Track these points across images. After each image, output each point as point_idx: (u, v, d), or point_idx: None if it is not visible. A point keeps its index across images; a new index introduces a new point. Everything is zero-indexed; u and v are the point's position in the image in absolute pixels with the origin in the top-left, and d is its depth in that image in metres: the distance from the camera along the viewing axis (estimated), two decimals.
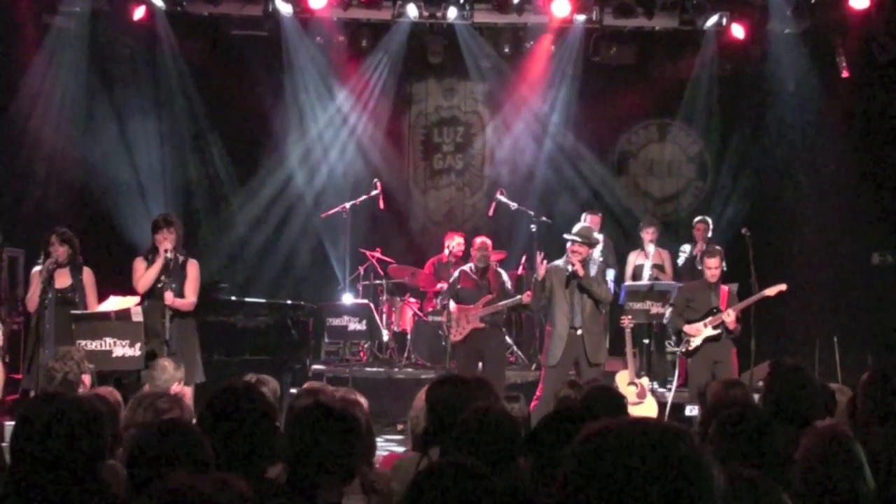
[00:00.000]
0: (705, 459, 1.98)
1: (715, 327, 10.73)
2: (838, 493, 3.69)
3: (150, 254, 9.54)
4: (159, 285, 9.28)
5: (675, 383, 11.62)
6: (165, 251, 9.32)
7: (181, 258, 9.54)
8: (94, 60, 14.09)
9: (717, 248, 11.32)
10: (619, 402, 5.79)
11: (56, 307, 9.16)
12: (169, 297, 9.20)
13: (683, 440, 1.98)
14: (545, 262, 10.45)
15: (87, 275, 9.58)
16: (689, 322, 10.84)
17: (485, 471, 2.98)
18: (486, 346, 11.33)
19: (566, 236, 10.50)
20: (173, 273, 9.36)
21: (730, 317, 10.63)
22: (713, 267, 10.82)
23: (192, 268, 9.66)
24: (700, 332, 10.75)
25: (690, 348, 10.81)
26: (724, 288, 10.95)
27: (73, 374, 6.68)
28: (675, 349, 12.93)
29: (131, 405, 5.20)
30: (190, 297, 9.55)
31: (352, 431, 3.99)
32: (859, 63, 14.11)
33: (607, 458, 1.96)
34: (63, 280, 9.39)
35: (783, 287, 10.78)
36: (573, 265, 10.27)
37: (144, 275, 9.44)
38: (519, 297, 11.18)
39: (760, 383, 8.90)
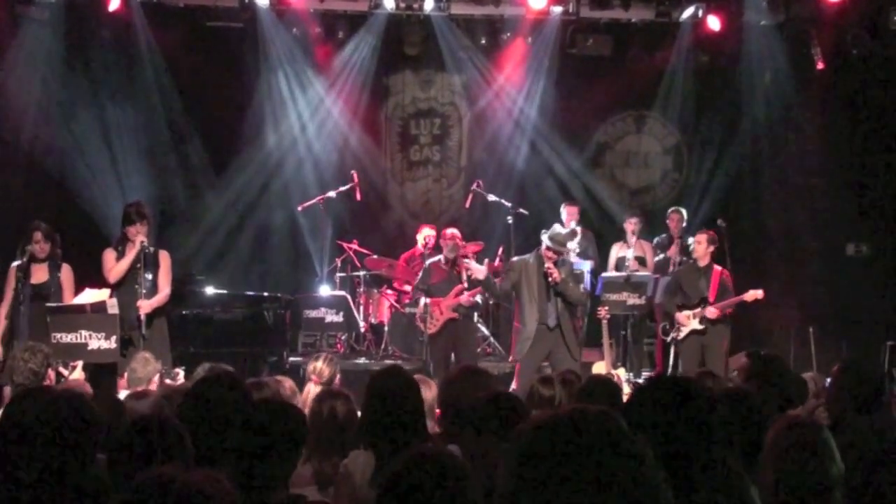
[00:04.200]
0: (632, 438, 2.05)
1: (701, 321, 10.87)
2: (810, 481, 3.71)
3: (120, 245, 9.53)
4: (134, 276, 9.28)
5: (653, 374, 11.66)
6: (142, 242, 9.31)
7: (151, 249, 9.53)
8: (69, 52, 13.99)
9: (706, 230, 11.41)
10: (616, 392, 5.85)
11: (32, 302, 9.11)
12: (144, 305, 9.20)
13: (609, 420, 2.06)
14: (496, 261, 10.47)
15: (66, 271, 9.52)
16: (681, 308, 10.99)
17: (462, 462, 2.99)
18: (460, 336, 11.35)
19: (542, 237, 10.37)
20: (148, 264, 9.35)
21: (713, 314, 10.77)
22: (697, 242, 11.04)
23: (164, 258, 9.69)
24: (688, 322, 10.91)
25: (679, 337, 10.99)
26: (717, 270, 11.05)
27: (38, 366, 6.67)
28: (651, 340, 13.05)
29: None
30: (164, 289, 9.57)
31: (289, 429, 3.98)
32: (834, 54, 14.19)
33: (540, 446, 2.03)
34: (40, 275, 9.34)
35: (760, 294, 10.91)
36: (549, 270, 10.19)
37: (116, 266, 9.44)
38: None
39: (735, 373, 8.97)
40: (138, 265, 9.37)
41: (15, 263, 9.30)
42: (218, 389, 4.24)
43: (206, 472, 2.49)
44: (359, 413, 5.45)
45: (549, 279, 10.12)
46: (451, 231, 11.62)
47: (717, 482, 2.98)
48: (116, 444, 3.78)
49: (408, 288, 13.16)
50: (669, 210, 13.65)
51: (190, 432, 3.85)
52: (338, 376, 6.87)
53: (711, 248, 11.20)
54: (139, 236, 9.38)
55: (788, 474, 3.72)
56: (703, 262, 11.12)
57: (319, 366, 6.77)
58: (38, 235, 9.30)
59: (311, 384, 6.62)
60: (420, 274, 11.81)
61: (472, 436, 4.23)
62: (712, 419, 3.05)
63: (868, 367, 5.25)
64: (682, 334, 11.03)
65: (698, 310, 10.94)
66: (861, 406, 5.06)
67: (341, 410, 5.11)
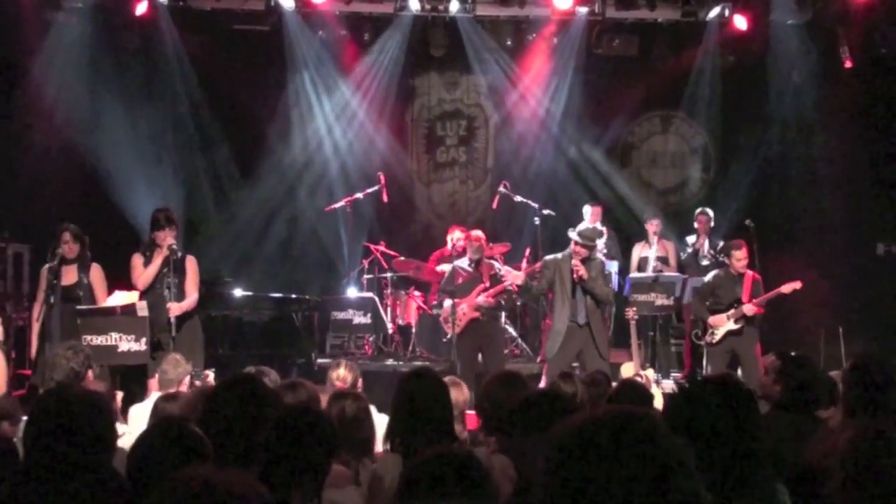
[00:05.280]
0: (673, 440, 2.05)
1: (737, 321, 10.84)
2: (887, 487, 3.69)
3: (148, 250, 9.57)
4: (162, 280, 9.32)
5: (682, 375, 11.65)
6: (170, 246, 9.35)
7: (180, 253, 9.55)
8: (97, 55, 14.07)
9: (740, 241, 11.35)
10: (648, 398, 5.83)
11: (62, 304, 9.17)
12: (174, 307, 9.24)
13: (650, 421, 2.06)
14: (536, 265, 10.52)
15: (95, 271, 9.57)
16: (714, 312, 10.97)
17: (483, 464, 2.99)
18: (485, 336, 11.33)
19: (570, 234, 10.52)
20: (177, 269, 9.39)
21: (750, 310, 10.73)
22: (742, 258, 10.98)
23: (191, 264, 9.70)
24: (723, 323, 10.89)
25: (714, 340, 10.97)
26: (749, 274, 11.03)
27: (79, 365, 6.72)
28: (680, 341, 13.00)
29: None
30: (192, 294, 9.59)
31: (314, 430, 3.98)
32: (862, 53, 14.12)
33: (580, 446, 2.02)
34: (70, 277, 9.39)
35: (798, 285, 10.89)
36: (576, 267, 10.28)
37: (144, 272, 9.47)
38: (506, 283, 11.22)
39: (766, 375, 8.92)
40: (165, 269, 9.41)
41: (46, 266, 9.36)
42: (235, 394, 4.24)
43: (237, 473, 2.50)
44: (374, 413, 5.48)
45: (575, 275, 10.19)
46: (476, 233, 11.62)
47: (753, 483, 2.97)
48: (138, 444, 3.80)
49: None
50: (697, 211, 13.60)
51: (211, 436, 3.87)
52: (359, 381, 6.88)
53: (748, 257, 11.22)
54: (167, 241, 9.42)
55: (865, 481, 3.68)
56: (741, 271, 11.11)
57: (342, 372, 6.79)
58: (67, 236, 9.36)
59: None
60: (444, 276, 11.81)
61: (517, 437, 4.21)
62: (752, 421, 3.04)
63: (876, 367, 5.17)
64: (716, 337, 11.02)
65: (732, 311, 10.91)
66: (867, 406, 5.02)
67: (351, 410, 5.12)
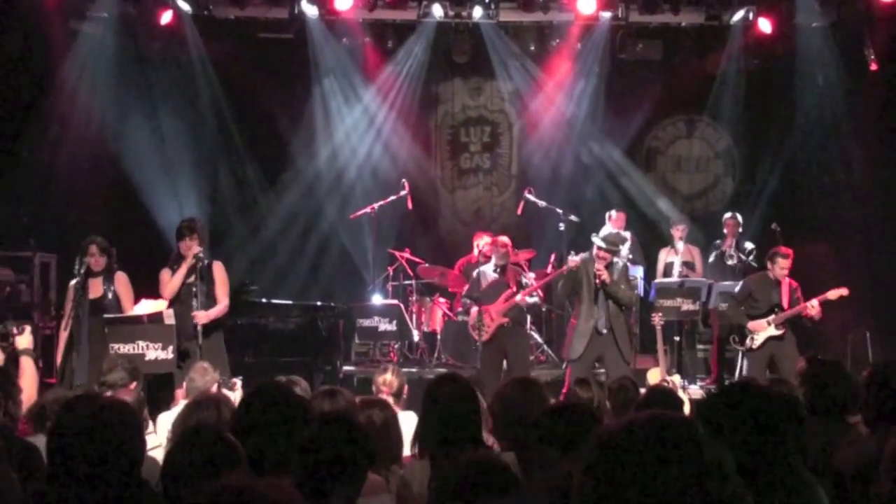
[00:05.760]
0: (712, 445, 2.05)
1: (778, 326, 10.81)
2: None
3: (175, 263, 9.59)
4: (189, 288, 9.34)
5: (708, 380, 11.61)
6: (196, 255, 9.36)
7: (206, 261, 9.56)
8: (122, 65, 14.16)
9: (787, 248, 11.27)
10: (678, 404, 5.81)
11: (90, 318, 9.20)
12: (200, 315, 9.25)
13: (689, 427, 2.06)
14: (578, 256, 10.52)
15: (121, 279, 9.56)
16: (751, 317, 10.93)
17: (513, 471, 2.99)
18: (511, 342, 11.31)
19: (594, 239, 10.55)
20: (204, 277, 9.40)
21: (814, 308, 10.73)
22: (786, 267, 10.93)
23: (219, 270, 9.70)
24: (764, 329, 10.85)
25: (754, 346, 10.92)
26: (787, 280, 11.00)
27: (129, 375, 6.93)
28: (706, 346, 12.94)
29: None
30: (222, 300, 9.60)
31: (354, 438, 3.97)
32: (887, 55, 14.02)
33: (617, 453, 2.02)
34: (96, 290, 9.40)
35: (845, 291, 10.86)
36: (599, 272, 10.30)
37: (170, 282, 9.49)
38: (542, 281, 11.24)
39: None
40: (192, 278, 9.42)
41: (73, 281, 9.39)
42: (268, 402, 4.25)
43: (273, 481, 2.50)
44: (400, 419, 5.47)
45: (598, 280, 10.21)
46: (502, 239, 11.62)
47: (790, 489, 2.95)
48: (171, 452, 3.80)
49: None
50: (726, 216, 13.53)
51: (245, 444, 3.87)
52: (405, 387, 6.87)
53: None
54: (191, 251, 9.44)
55: None
56: (782, 279, 11.06)
57: (389, 378, 6.79)
58: (93, 249, 9.39)
59: (382, 396, 6.63)
60: (470, 282, 11.80)
61: (534, 447, 4.20)
62: (790, 426, 3.02)
63: (892, 374, 5.12)
64: (757, 342, 10.98)
65: (773, 316, 10.87)
66: (887, 413, 4.97)
67: (379, 418, 5.11)
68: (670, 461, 1.95)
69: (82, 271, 9.30)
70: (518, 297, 11.19)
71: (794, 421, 3.07)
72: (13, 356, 6.57)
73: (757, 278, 11.31)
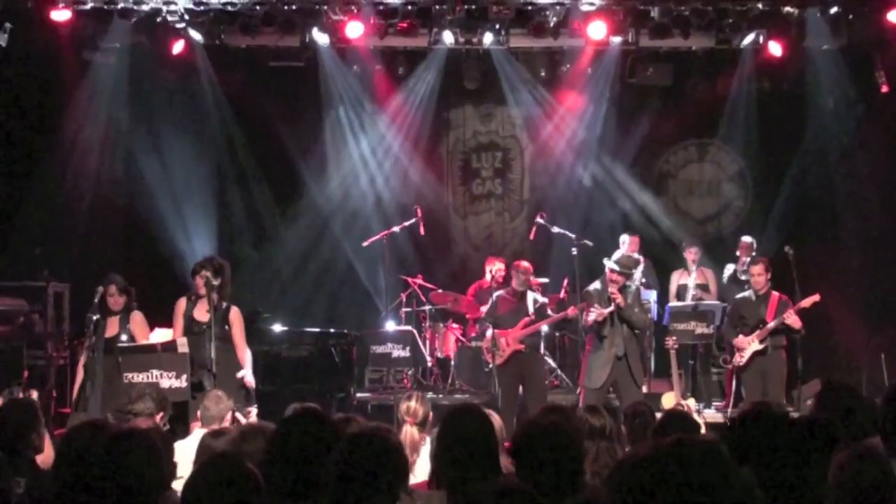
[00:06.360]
0: (738, 470, 2.05)
1: (761, 341, 10.81)
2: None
3: (194, 295, 9.58)
4: (204, 327, 9.29)
5: (723, 403, 11.58)
6: (212, 300, 9.30)
7: (224, 305, 9.53)
8: (134, 95, 14.25)
9: (762, 258, 11.36)
10: (695, 428, 5.79)
11: (105, 356, 9.19)
12: (249, 379, 9.37)
13: (715, 452, 2.07)
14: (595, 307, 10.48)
15: (136, 319, 9.57)
16: (742, 335, 10.96)
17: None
18: (527, 368, 11.30)
19: (606, 263, 10.56)
20: (218, 320, 9.32)
21: (791, 318, 10.72)
22: (756, 273, 11.05)
23: (236, 316, 9.61)
24: (747, 345, 10.87)
25: (742, 363, 10.94)
26: (776, 295, 11.00)
27: (156, 405, 7.03)
28: (723, 366, 12.91)
29: None
30: (243, 347, 9.57)
31: (391, 459, 3.97)
32: None
33: (645, 479, 2.01)
34: (113, 329, 9.41)
35: (816, 297, 10.90)
36: (613, 296, 10.30)
37: (178, 321, 9.47)
38: (564, 313, 11.17)
39: (809, 402, 8.86)
40: (207, 317, 9.33)
41: (95, 316, 9.38)
42: (307, 425, 4.26)
43: None
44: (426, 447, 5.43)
45: (613, 304, 10.20)
46: (525, 264, 11.55)
47: None
48: (190, 483, 3.79)
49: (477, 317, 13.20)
50: (742, 239, 13.53)
51: (279, 469, 3.87)
52: (430, 414, 6.82)
53: (768, 276, 11.16)
54: (200, 289, 9.42)
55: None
56: (763, 291, 11.10)
57: (413, 406, 6.73)
58: (112, 289, 9.44)
59: (406, 426, 6.60)
60: (488, 305, 11.77)
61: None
62: (811, 449, 3.00)
63: None
64: (744, 359, 11.01)
65: (758, 331, 10.90)
66: None
67: None
68: (697, 485, 1.95)
69: (99, 311, 9.33)
70: (541, 325, 11.18)
71: (827, 448, 3.05)
72: None
73: (743, 300, 11.36)
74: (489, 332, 11.34)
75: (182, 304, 9.59)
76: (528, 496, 2.86)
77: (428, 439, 6.07)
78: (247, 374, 9.39)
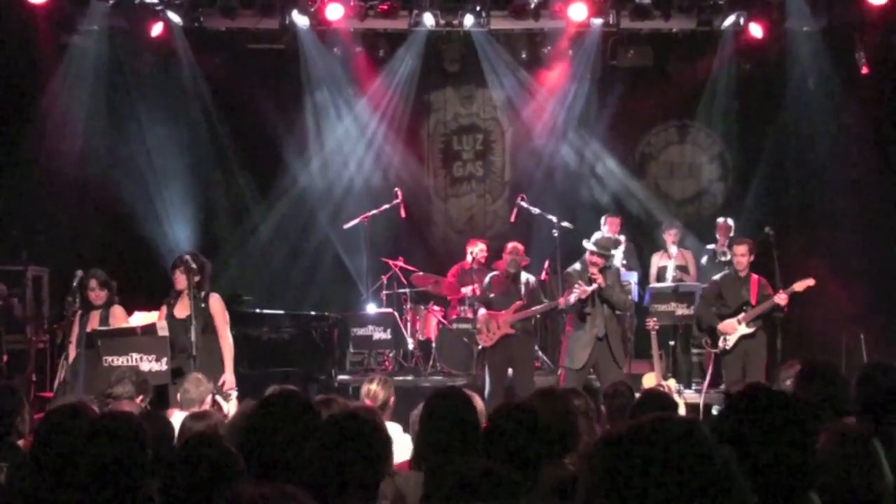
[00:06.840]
0: (717, 449, 2.05)
1: (749, 324, 10.76)
2: (857, 491, 3.66)
3: (172, 299, 9.52)
4: (186, 323, 9.24)
5: (704, 385, 11.59)
6: (191, 293, 9.24)
7: (203, 293, 9.46)
8: (113, 78, 14.18)
9: (746, 238, 11.34)
10: (673, 407, 5.80)
11: (86, 350, 9.15)
12: (229, 379, 9.26)
13: (694, 430, 2.06)
14: (578, 285, 10.42)
15: (116, 313, 9.49)
16: (722, 317, 10.88)
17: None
18: (517, 352, 11.31)
19: (585, 245, 10.55)
20: (199, 314, 9.27)
21: (783, 299, 10.64)
22: (739, 254, 10.91)
23: (217, 304, 9.55)
24: (735, 329, 10.79)
25: (728, 347, 10.84)
26: (755, 277, 10.96)
27: (136, 388, 7.02)
28: (701, 350, 12.89)
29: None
30: (226, 336, 9.51)
31: (373, 439, 3.96)
32: (878, 59, 14.05)
33: (622, 458, 2.02)
34: (94, 323, 9.35)
35: (811, 282, 10.78)
36: (593, 276, 10.29)
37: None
38: (554, 302, 11.13)
39: (788, 382, 8.87)
40: (186, 313, 9.28)
41: (76, 313, 9.36)
42: (288, 406, 4.24)
43: (289, 488, 2.48)
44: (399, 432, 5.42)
45: (593, 285, 10.20)
46: (514, 245, 11.46)
47: (799, 493, 2.92)
48: (167, 464, 3.78)
49: (459, 298, 13.22)
50: (718, 221, 13.57)
51: (258, 449, 3.86)
52: (392, 398, 6.80)
53: (751, 257, 11.08)
54: (179, 284, 9.35)
55: (834, 484, 3.66)
56: (744, 273, 11.03)
57: (374, 388, 6.73)
58: (93, 283, 9.39)
59: None
60: (483, 284, 11.74)
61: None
62: (804, 431, 3.00)
63: (881, 376, 5.11)
64: (730, 343, 10.93)
65: (743, 314, 10.83)
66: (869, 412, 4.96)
67: None
68: (676, 463, 1.94)
69: (78, 303, 9.30)
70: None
71: (808, 425, 3.05)
72: None
73: (725, 280, 11.27)
74: (482, 312, 11.35)
75: (163, 310, 9.54)
76: (506, 477, 2.86)
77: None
78: (228, 379, 9.27)
